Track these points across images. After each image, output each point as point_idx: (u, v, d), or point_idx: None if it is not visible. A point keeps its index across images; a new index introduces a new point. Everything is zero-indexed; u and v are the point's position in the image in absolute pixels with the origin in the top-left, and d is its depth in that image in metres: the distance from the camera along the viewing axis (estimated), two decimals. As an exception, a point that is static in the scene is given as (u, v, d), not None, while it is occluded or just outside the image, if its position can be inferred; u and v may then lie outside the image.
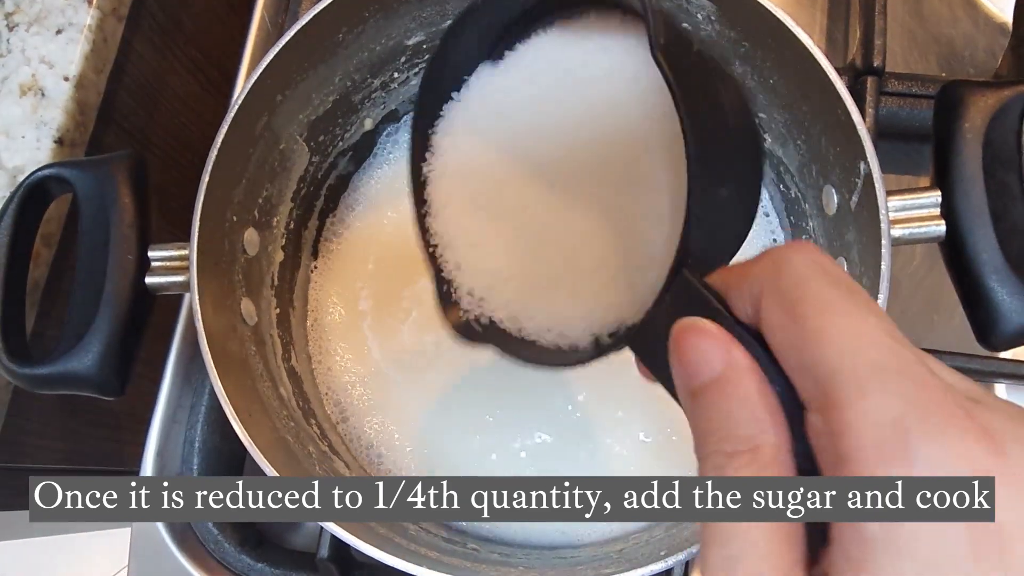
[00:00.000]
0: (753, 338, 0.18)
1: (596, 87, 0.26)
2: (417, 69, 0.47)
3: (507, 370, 0.44)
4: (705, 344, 0.18)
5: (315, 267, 0.47)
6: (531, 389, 0.44)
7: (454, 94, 0.29)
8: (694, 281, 0.19)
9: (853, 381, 0.15)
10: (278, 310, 0.44)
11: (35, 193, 0.38)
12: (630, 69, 0.25)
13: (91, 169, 0.38)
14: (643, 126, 0.25)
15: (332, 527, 0.32)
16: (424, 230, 0.29)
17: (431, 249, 0.29)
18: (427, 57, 0.46)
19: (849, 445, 0.15)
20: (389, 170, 0.49)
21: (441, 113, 0.29)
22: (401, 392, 0.45)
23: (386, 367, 0.45)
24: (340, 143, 0.47)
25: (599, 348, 0.24)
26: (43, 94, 0.46)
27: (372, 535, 0.34)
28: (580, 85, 0.26)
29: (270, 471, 0.33)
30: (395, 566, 0.32)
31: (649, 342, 0.20)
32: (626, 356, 0.23)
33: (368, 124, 0.48)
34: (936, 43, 0.58)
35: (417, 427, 0.44)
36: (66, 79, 0.46)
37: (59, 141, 0.46)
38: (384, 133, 0.49)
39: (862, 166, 0.34)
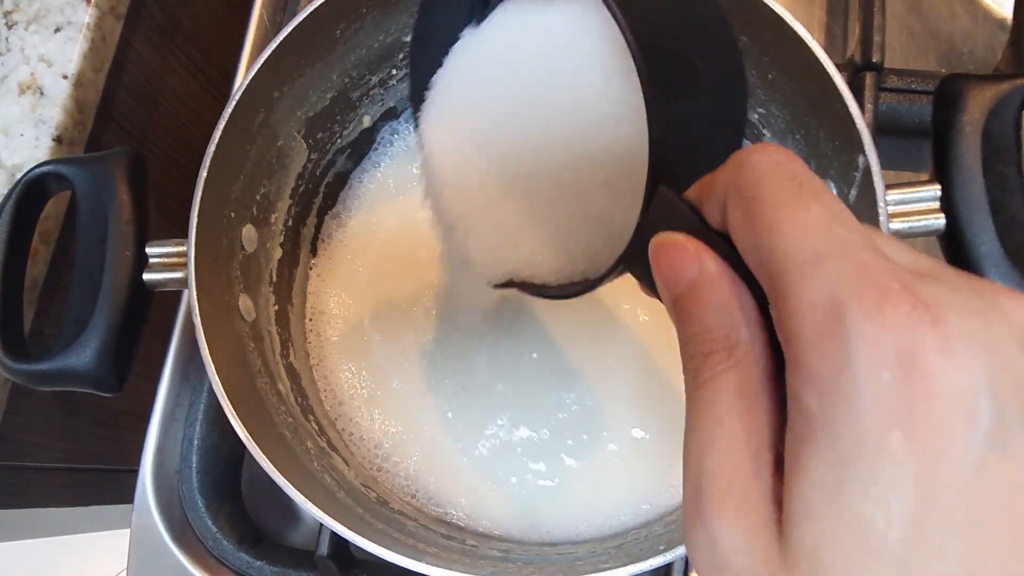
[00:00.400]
0: (726, 243, 0.18)
1: (572, 41, 0.27)
2: (415, 66, 0.47)
3: (504, 366, 0.44)
4: (677, 256, 0.19)
5: (313, 264, 0.47)
6: (529, 385, 0.44)
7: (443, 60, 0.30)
8: (669, 196, 0.20)
9: (795, 270, 0.16)
10: (276, 307, 0.44)
11: (33, 190, 0.38)
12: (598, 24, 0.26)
13: (89, 166, 0.38)
14: (613, 73, 0.25)
15: (333, 524, 0.32)
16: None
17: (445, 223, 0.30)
18: (425, 54, 0.46)
19: (790, 330, 0.16)
20: (388, 167, 0.49)
21: (429, 87, 0.30)
22: (399, 388, 0.45)
23: (384, 363, 0.45)
24: (339, 140, 0.47)
25: (600, 278, 0.25)
26: (42, 92, 0.46)
27: (370, 530, 0.34)
28: (556, 41, 0.27)
29: (268, 467, 0.33)
30: (394, 562, 0.32)
31: (640, 262, 0.21)
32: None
33: (367, 121, 0.48)
34: (935, 39, 0.58)
35: (415, 423, 0.44)
36: (65, 77, 0.46)
37: (58, 139, 0.46)
38: (383, 130, 0.49)
39: (860, 160, 0.34)
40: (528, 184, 0.29)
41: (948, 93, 0.35)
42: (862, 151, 0.33)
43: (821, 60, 0.34)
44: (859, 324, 0.15)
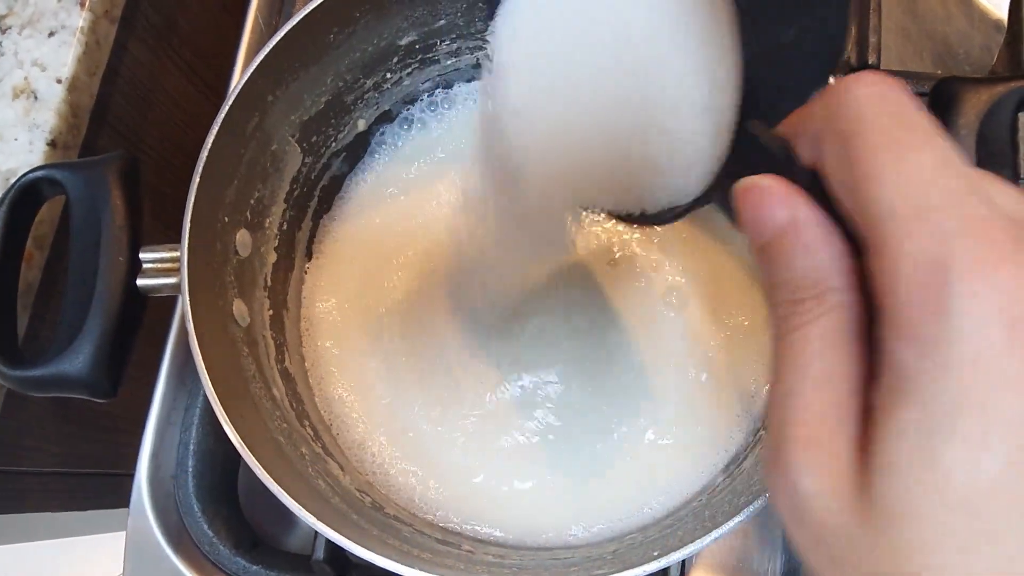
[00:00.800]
0: (818, 184, 0.17)
1: None
2: (410, 69, 0.47)
3: (500, 372, 0.44)
4: (766, 200, 0.18)
5: (308, 268, 0.47)
6: (526, 390, 0.43)
7: None
8: (758, 133, 0.19)
9: (897, 223, 0.15)
10: (271, 311, 0.43)
11: (26, 195, 0.38)
12: None
13: (82, 170, 0.38)
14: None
15: (326, 530, 0.32)
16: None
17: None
18: (419, 57, 0.46)
19: (888, 285, 0.15)
20: (383, 170, 0.48)
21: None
22: (394, 392, 0.44)
23: (379, 367, 0.45)
24: (333, 144, 0.47)
25: (688, 207, 0.24)
26: (36, 97, 0.46)
27: (366, 537, 0.34)
28: None
29: (261, 473, 0.33)
30: (389, 568, 0.32)
31: (727, 198, 0.20)
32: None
33: (361, 125, 0.48)
34: (931, 40, 0.57)
35: (410, 428, 0.44)
36: (59, 81, 0.46)
37: (52, 144, 0.46)
38: (378, 133, 0.49)
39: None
40: (595, 119, 0.27)
41: (943, 96, 0.35)
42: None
43: (815, 63, 0.34)
44: (967, 283, 0.14)
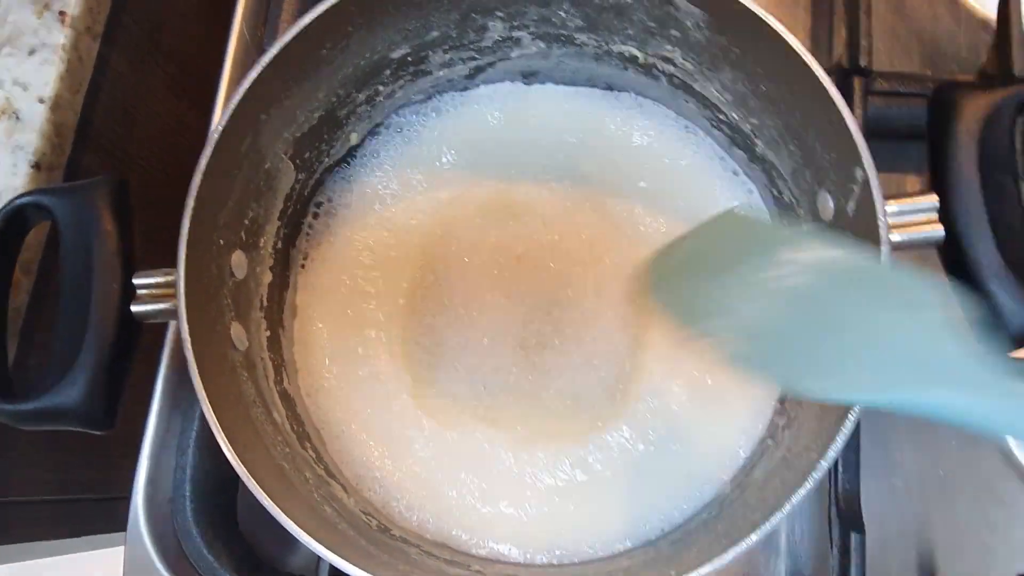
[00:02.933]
0: None
1: None
2: (402, 82, 0.46)
3: (503, 388, 0.44)
4: None
5: (304, 285, 0.46)
6: (530, 404, 0.43)
7: None
8: None
9: None
10: (268, 332, 0.43)
11: (13, 222, 0.37)
12: None
13: (71, 195, 0.37)
14: None
15: (337, 560, 0.31)
16: None
17: None
18: (412, 69, 0.45)
19: None
20: (374, 182, 0.48)
21: None
22: (393, 409, 0.44)
23: (376, 383, 0.44)
24: (326, 159, 0.46)
25: None
26: (18, 117, 0.45)
27: (375, 563, 0.33)
28: None
29: (269, 504, 0.32)
30: (400, 595, 0.32)
31: None
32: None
33: (354, 139, 0.47)
34: (919, 40, 0.58)
35: (411, 446, 0.43)
36: (41, 101, 0.45)
37: (36, 166, 0.45)
38: (369, 145, 0.48)
39: (859, 172, 0.34)
40: None
41: (942, 102, 0.35)
42: (860, 164, 0.33)
43: (814, 70, 0.34)
44: None
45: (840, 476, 0.42)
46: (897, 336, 0.25)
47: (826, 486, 0.43)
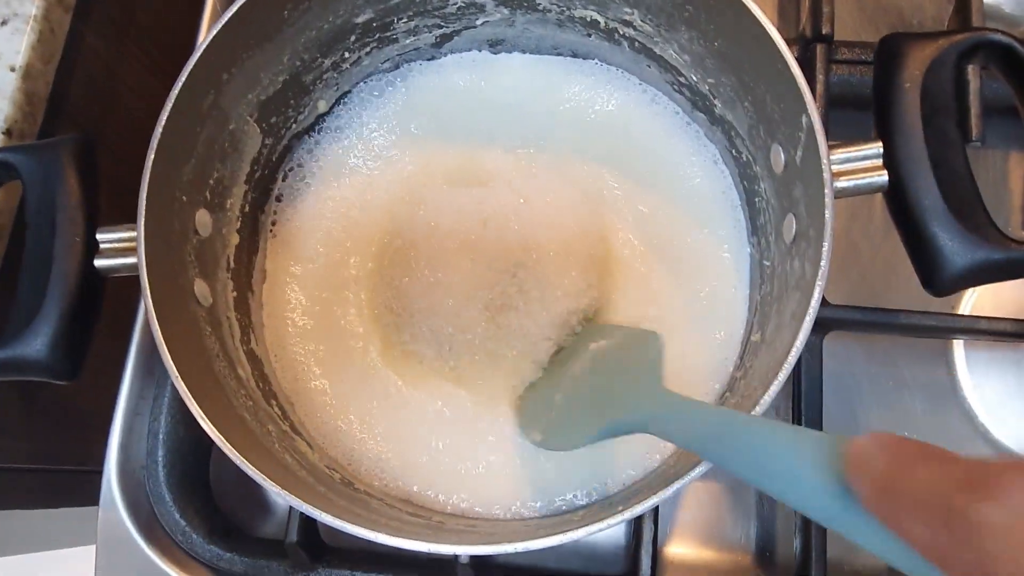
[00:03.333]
0: None
1: None
2: (368, 49, 0.47)
3: (467, 344, 0.44)
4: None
5: (272, 250, 0.47)
6: (490, 361, 0.44)
7: None
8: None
9: None
10: (235, 293, 0.43)
11: (-21, 180, 0.38)
12: None
13: (36, 153, 0.38)
14: None
15: (289, 497, 0.32)
16: None
17: None
18: (377, 36, 0.46)
19: None
20: (342, 150, 0.48)
21: None
22: (360, 371, 0.44)
23: (344, 346, 0.45)
24: (294, 125, 0.47)
25: None
26: (-11, 85, 0.46)
27: (332, 506, 0.34)
28: None
29: (225, 447, 0.33)
30: (355, 533, 0.32)
31: None
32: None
33: (322, 106, 0.48)
34: (885, 12, 0.59)
35: (378, 406, 0.44)
36: (12, 69, 0.46)
37: (7, 132, 0.45)
38: (336, 113, 0.49)
39: (804, 120, 0.34)
40: None
41: (888, 52, 0.36)
42: (805, 111, 0.34)
43: (761, 22, 0.35)
44: None
45: (801, 431, 0.42)
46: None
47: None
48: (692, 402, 0.33)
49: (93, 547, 0.48)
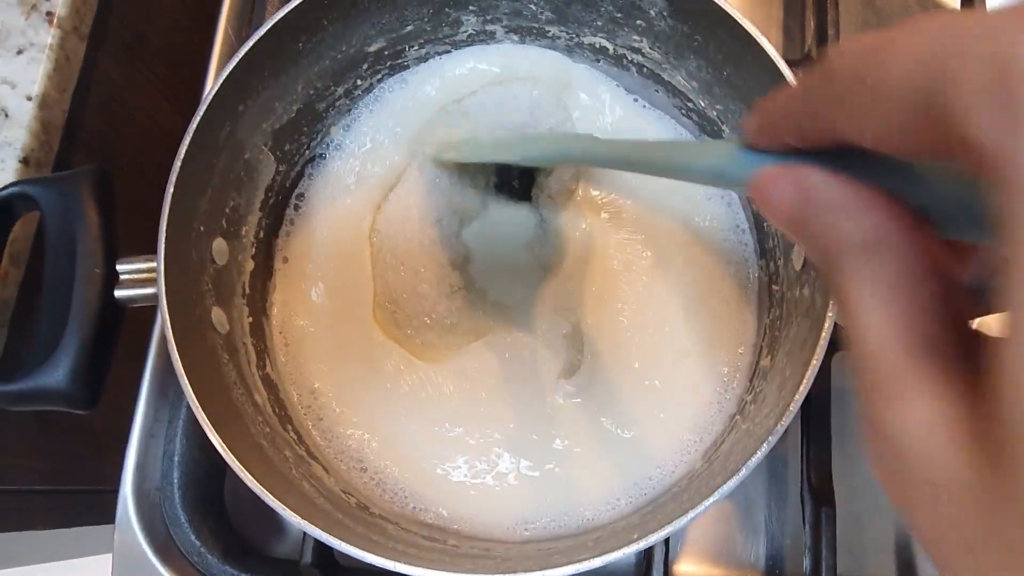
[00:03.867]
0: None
1: None
2: (380, 75, 0.47)
3: (480, 369, 0.45)
4: (769, 190, 0.18)
5: (287, 275, 0.47)
6: (505, 385, 0.44)
7: None
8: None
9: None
10: (251, 319, 0.44)
11: (0, 212, 0.39)
12: None
13: (55, 185, 0.38)
14: None
15: (309, 528, 0.32)
16: None
17: None
18: (389, 63, 0.47)
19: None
20: (355, 176, 0.49)
21: None
22: (375, 395, 0.45)
23: (359, 371, 0.45)
24: (307, 152, 0.47)
25: None
26: (6, 115, 0.46)
27: (350, 534, 0.34)
28: None
29: (243, 474, 0.33)
30: (374, 563, 0.32)
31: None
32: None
33: (334, 132, 0.48)
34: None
35: (393, 429, 0.44)
36: (29, 99, 0.46)
37: (24, 161, 0.46)
38: (348, 140, 0.49)
39: (813, 150, 0.35)
40: None
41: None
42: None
43: (768, 53, 0.35)
44: None
45: (811, 451, 0.43)
46: None
47: (800, 464, 0.44)
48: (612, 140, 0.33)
49: (109, 555, 0.48)
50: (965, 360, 0.15)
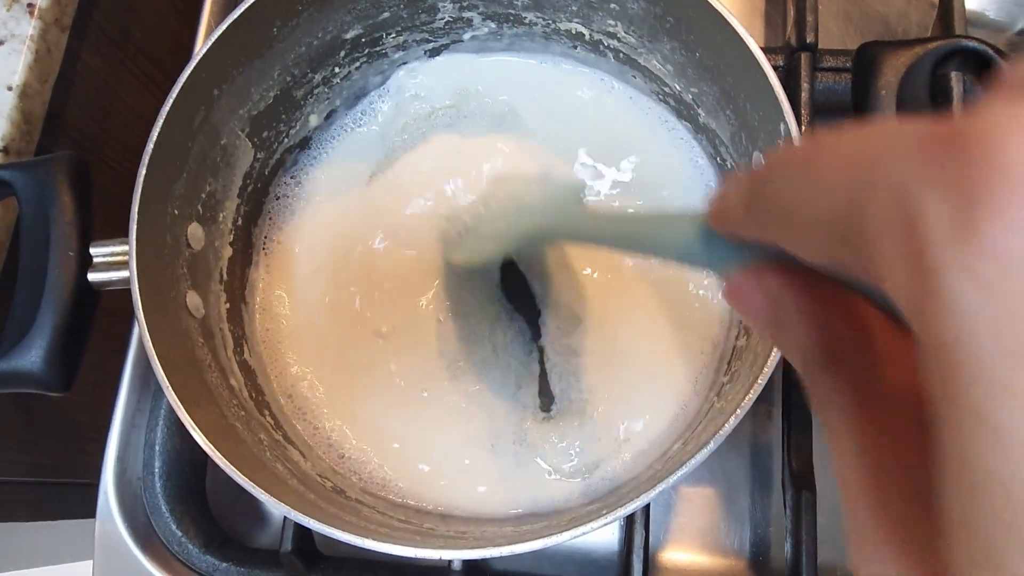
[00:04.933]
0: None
1: None
2: (358, 63, 0.47)
3: (456, 355, 0.45)
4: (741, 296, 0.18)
5: (265, 263, 0.47)
6: (483, 372, 0.44)
7: None
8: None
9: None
10: (228, 305, 0.44)
11: (-25, 197, 0.39)
12: None
13: (31, 169, 0.38)
14: None
15: (278, 505, 0.32)
16: None
17: None
18: (367, 51, 0.47)
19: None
20: (335, 165, 0.49)
21: None
22: (354, 382, 0.45)
23: (338, 359, 0.45)
24: (285, 139, 0.47)
25: None
26: (-13, 104, 0.46)
27: (322, 513, 0.34)
28: None
29: (215, 455, 0.33)
30: (344, 540, 0.32)
31: None
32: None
33: (313, 120, 0.48)
34: (870, 20, 0.59)
35: (371, 418, 0.44)
36: (9, 89, 0.47)
37: (4, 150, 0.46)
38: (330, 126, 0.49)
39: (782, 126, 0.35)
40: None
41: (865, 60, 0.36)
42: (782, 118, 0.34)
43: (738, 32, 0.35)
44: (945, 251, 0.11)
45: (792, 437, 0.43)
46: None
47: (781, 450, 0.43)
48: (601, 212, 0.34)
49: (90, 562, 0.48)
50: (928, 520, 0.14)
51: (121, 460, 0.49)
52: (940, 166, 0.11)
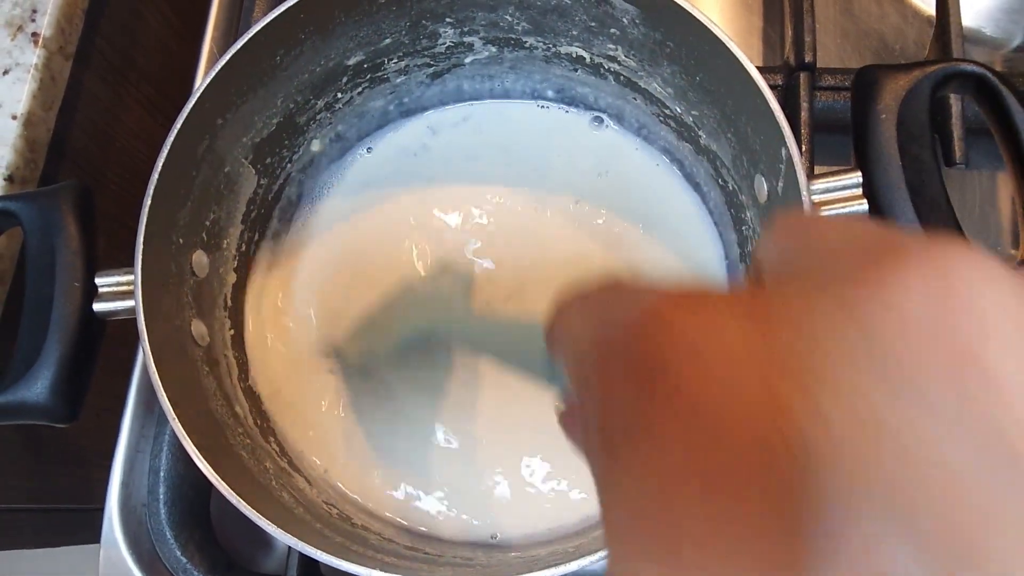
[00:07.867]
0: None
1: None
2: (361, 89, 0.48)
3: (460, 382, 0.45)
4: None
5: (269, 288, 0.48)
6: (487, 397, 0.44)
7: None
8: None
9: None
10: (232, 331, 0.44)
11: (-19, 228, 0.39)
12: None
13: (36, 200, 0.39)
14: None
15: (285, 536, 0.32)
16: None
17: None
18: (369, 76, 0.47)
19: None
20: (339, 190, 0.49)
21: None
22: (356, 407, 0.45)
23: (342, 385, 0.45)
24: (289, 165, 0.48)
25: None
26: (-9, 133, 0.47)
27: (327, 543, 0.34)
28: None
29: (220, 484, 0.33)
30: (353, 571, 0.32)
31: None
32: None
33: (316, 146, 0.49)
34: (867, 38, 0.60)
35: (375, 442, 0.44)
36: (14, 118, 0.47)
37: (9, 179, 0.46)
38: (332, 154, 0.50)
39: (783, 151, 0.35)
40: None
41: (864, 83, 0.37)
42: (783, 142, 0.35)
43: (738, 57, 0.36)
44: None
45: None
46: None
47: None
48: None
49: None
50: None
51: (125, 486, 0.49)
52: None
